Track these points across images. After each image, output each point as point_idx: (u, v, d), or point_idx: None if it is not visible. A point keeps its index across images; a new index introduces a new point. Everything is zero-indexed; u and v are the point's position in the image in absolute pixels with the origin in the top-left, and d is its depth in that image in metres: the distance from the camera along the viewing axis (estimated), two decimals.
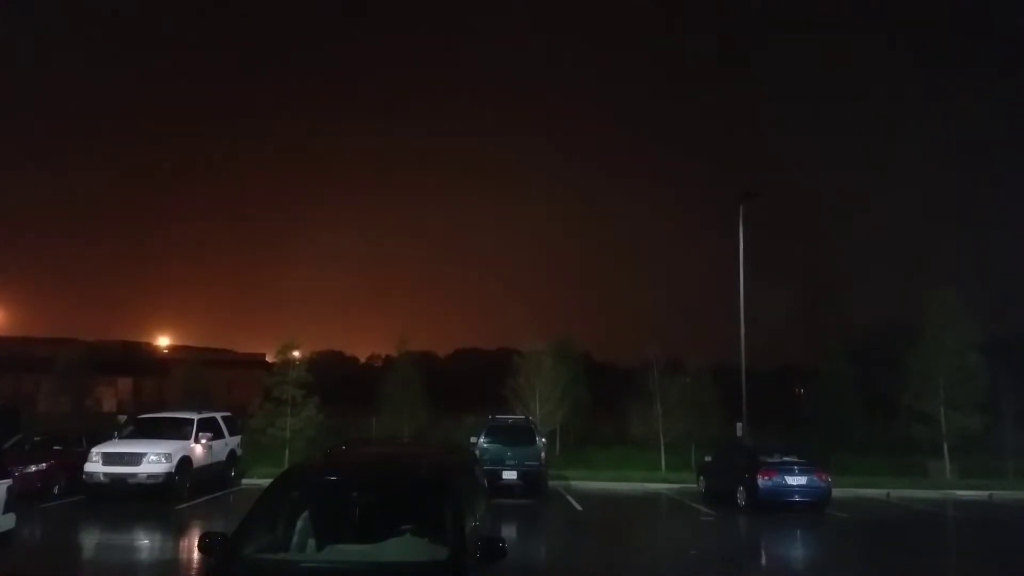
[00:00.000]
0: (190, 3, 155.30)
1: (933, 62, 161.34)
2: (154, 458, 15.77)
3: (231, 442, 19.10)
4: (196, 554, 10.49)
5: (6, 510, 9.67)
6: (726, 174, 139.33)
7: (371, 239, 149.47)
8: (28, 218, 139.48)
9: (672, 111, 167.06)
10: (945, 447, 21.81)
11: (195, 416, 17.75)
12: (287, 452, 21.72)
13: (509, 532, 13.03)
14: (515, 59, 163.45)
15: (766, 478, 15.80)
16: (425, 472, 5.89)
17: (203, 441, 17.28)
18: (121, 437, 17.14)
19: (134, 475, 15.58)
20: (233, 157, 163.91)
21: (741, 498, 16.31)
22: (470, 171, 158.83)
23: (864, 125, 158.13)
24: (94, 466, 15.68)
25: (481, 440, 18.09)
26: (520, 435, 18.27)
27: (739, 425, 22.90)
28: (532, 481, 17.64)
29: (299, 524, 5.39)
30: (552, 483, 19.27)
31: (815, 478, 15.93)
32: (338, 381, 43.28)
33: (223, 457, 18.48)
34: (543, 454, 18.21)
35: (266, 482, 6.44)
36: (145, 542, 12.81)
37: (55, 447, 17.20)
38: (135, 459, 15.72)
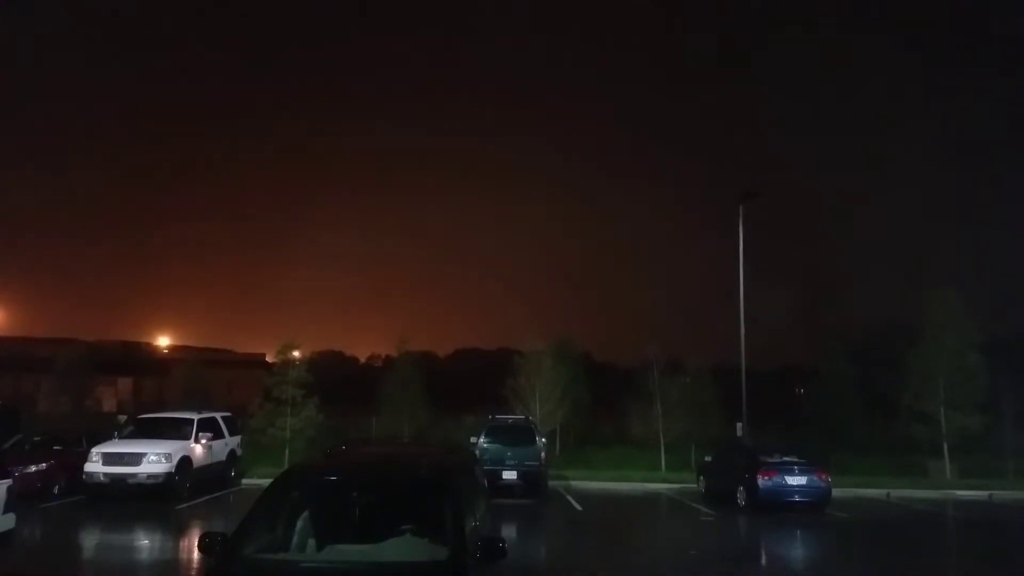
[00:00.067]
0: (190, 3, 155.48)
1: (933, 62, 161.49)
2: (154, 458, 15.77)
3: (231, 442, 19.10)
4: (196, 554, 10.50)
5: (6, 510, 9.67)
6: (726, 174, 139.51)
7: (371, 239, 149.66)
8: (28, 218, 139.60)
9: (672, 111, 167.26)
10: (945, 447, 21.81)
11: (195, 416, 17.75)
12: (287, 452, 21.72)
13: (509, 532, 13.03)
14: (515, 59, 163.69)
15: (766, 478, 15.81)
16: (425, 472, 5.90)
17: (203, 441, 17.28)
18: (121, 437, 17.14)
19: (134, 475, 15.58)
20: (233, 157, 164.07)
21: (741, 498, 16.31)
22: (470, 171, 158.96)
23: (864, 125, 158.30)
24: (94, 466, 15.68)
25: (481, 440, 18.09)
26: (520, 435, 18.27)
27: (739, 425, 22.91)
28: (532, 481, 17.64)
29: (299, 524, 5.39)
30: (552, 483, 19.27)
31: (815, 478, 15.93)
32: (338, 381, 43.29)
33: (223, 457, 18.48)
34: (543, 454, 18.21)
35: (266, 482, 6.44)
36: (145, 542, 12.81)
37: (55, 447, 17.19)
38: (135, 459, 15.72)
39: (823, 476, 16.00)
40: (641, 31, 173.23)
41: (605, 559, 11.52)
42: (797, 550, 13.63)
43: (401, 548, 4.98)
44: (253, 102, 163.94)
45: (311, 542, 5.33)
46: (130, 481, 15.55)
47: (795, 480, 15.85)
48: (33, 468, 15.71)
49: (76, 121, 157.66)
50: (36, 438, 17.85)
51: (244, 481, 19.28)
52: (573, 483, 20.38)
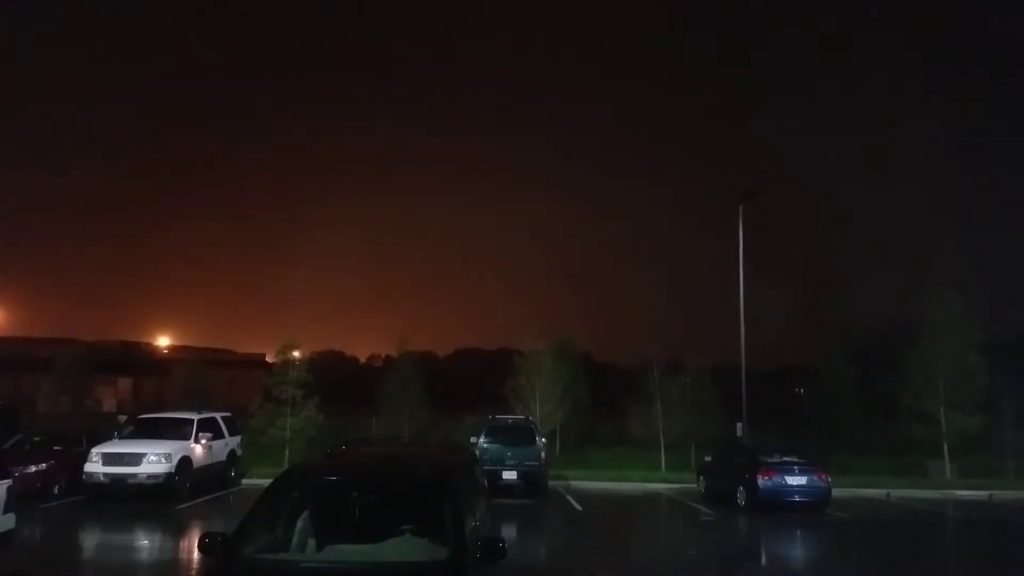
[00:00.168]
0: (190, 3, 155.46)
1: (933, 62, 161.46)
2: (154, 458, 15.77)
3: (231, 442, 19.10)
4: (196, 554, 10.49)
5: (6, 510, 9.67)
6: (726, 174, 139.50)
7: (371, 239, 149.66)
8: (28, 218, 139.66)
9: (672, 111, 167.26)
10: (945, 447, 21.81)
11: (195, 416, 17.75)
12: (287, 452, 21.72)
13: (509, 532, 13.03)
14: (515, 59, 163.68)
15: (766, 478, 15.80)
16: (425, 472, 5.90)
17: (203, 441, 17.28)
18: (121, 437, 17.13)
19: (134, 475, 15.58)
20: (233, 157, 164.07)
21: (741, 498, 16.30)
22: (470, 171, 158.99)
23: (864, 125, 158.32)
24: (94, 466, 15.68)
25: (481, 440, 18.09)
26: (520, 435, 18.27)
27: (739, 425, 22.91)
28: (532, 481, 17.64)
29: (299, 524, 5.39)
30: (552, 483, 19.26)
31: (815, 478, 15.92)
32: (338, 381, 43.29)
33: (223, 457, 18.48)
34: (543, 454, 18.21)
35: (266, 482, 6.44)
36: (145, 542, 12.80)
37: (55, 447, 17.19)
38: (135, 459, 15.72)
39: (823, 476, 16.00)
40: (641, 31, 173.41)
41: (605, 559, 11.52)
42: (797, 550, 13.63)
43: (401, 548, 4.98)
44: (253, 102, 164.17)
45: (311, 542, 5.33)
46: (130, 481, 15.54)
47: (795, 480, 15.84)
48: (33, 468, 15.71)
49: (76, 121, 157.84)
50: (36, 438, 17.85)
51: (244, 481, 19.28)
52: (573, 483, 20.38)
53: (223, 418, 19.14)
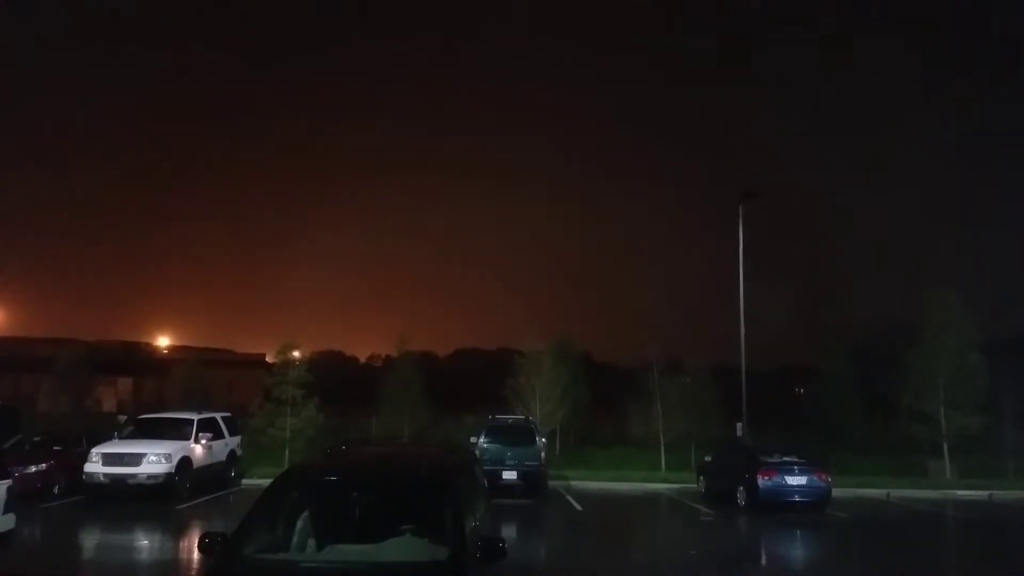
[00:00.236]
0: (190, 3, 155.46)
1: (933, 62, 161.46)
2: (154, 458, 15.77)
3: (231, 442, 19.10)
4: (196, 554, 10.49)
5: (6, 510, 9.67)
6: (726, 174, 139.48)
7: (371, 239, 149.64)
8: (28, 218, 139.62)
9: (672, 111, 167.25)
10: (945, 447, 21.81)
11: (195, 416, 17.75)
12: (287, 452, 21.72)
13: (509, 532, 13.03)
14: (515, 59, 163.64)
15: (766, 478, 15.80)
16: (425, 472, 5.90)
17: (203, 441, 17.28)
18: (121, 437, 17.13)
19: (134, 475, 15.58)
20: (233, 157, 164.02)
21: (741, 498, 16.30)
22: (470, 171, 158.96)
23: (864, 125, 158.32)
24: (94, 466, 15.68)
25: (481, 440, 18.09)
26: (520, 435, 18.27)
27: (739, 425, 22.91)
28: (532, 481, 17.64)
29: (299, 524, 5.39)
30: (552, 483, 19.27)
31: (815, 478, 15.92)
32: (338, 381, 43.28)
33: (223, 457, 18.47)
34: (543, 454, 18.21)
35: (266, 482, 6.44)
36: (145, 542, 12.81)
37: (55, 447, 17.19)
38: (135, 459, 15.72)
39: (823, 476, 16.00)
40: (641, 31, 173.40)
41: (605, 559, 11.52)
42: (797, 550, 13.63)
43: (401, 548, 4.97)
44: (253, 102, 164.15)
45: (311, 542, 5.33)
46: (130, 481, 15.54)
47: (795, 480, 15.84)
48: (33, 468, 15.71)
49: (76, 121, 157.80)
50: (36, 438, 17.85)
51: (244, 481, 19.28)
52: (573, 483, 20.38)
53: (223, 418, 19.14)
